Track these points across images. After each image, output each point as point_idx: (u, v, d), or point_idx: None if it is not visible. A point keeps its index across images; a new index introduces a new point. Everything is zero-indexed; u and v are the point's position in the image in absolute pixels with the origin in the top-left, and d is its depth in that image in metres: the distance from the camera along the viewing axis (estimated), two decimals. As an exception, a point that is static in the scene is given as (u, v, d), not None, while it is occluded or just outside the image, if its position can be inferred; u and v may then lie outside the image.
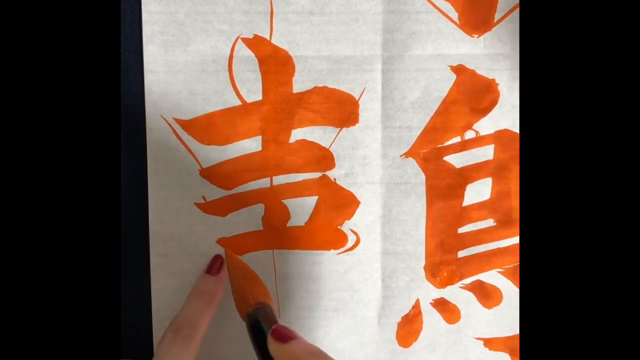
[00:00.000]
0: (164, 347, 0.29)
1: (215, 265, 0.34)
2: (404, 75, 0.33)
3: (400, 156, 0.34)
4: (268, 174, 0.34)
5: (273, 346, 0.27)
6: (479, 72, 0.33)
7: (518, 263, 0.35)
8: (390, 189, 0.34)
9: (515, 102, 0.34)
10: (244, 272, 0.33)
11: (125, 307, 0.34)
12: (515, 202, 0.35)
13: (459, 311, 0.35)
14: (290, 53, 0.33)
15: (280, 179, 0.34)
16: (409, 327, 0.35)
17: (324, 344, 0.35)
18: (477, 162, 0.34)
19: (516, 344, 0.36)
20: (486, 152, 0.34)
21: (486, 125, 0.34)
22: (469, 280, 0.35)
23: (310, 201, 0.34)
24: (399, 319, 0.35)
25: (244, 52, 0.33)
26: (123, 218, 0.34)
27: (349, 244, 0.35)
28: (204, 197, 0.34)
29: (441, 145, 0.34)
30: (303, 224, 0.34)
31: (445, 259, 0.35)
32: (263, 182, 0.34)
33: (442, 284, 0.35)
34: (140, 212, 0.34)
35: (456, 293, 0.35)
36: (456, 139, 0.34)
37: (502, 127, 0.34)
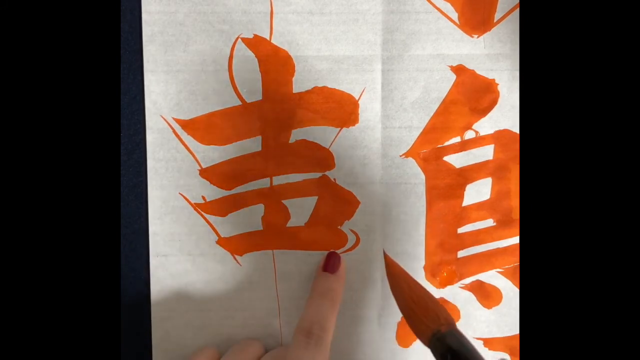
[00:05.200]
0: (298, 351, 0.28)
1: (330, 263, 0.33)
2: (404, 75, 0.33)
3: (400, 156, 0.34)
4: (268, 174, 0.34)
5: None
6: (478, 72, 0.34)
7: (518, 263, 0.35)
8: (390, 189, 0.34)
9: (515, 102, 0.34)
10: (420, 289, 0.30)
11: (125, 307, 0.34)
12: (515, 202, 0.35)
13: (458, 311, 0.35)
14: (290, 53, 0.33)
15: (280, 179, 0.34)
16: (409, 327, 0.35)
17: (324, 344, 0.35)
18: (477, 162, 0.34)
19: (516, 344, 0.36)
20: (486, 152, 0.34)
21: (486, 126, 0.34)
22: (468, 280, 0.35)
23: (310, 201, 0.34)
24: (399, 319, 0.35)
25: (244, 52, 0.33)
26: (123, 218, 0.34)
27: (349, 244, 0.35)
28: (203, 197, 0.34)
29: (441, 146, 0.34)
30: (303, 224, 0.34)
31: (445, 259, 0.35)
32: (263, 182, 0.34)
33: (442, 284, 0.35)
34: (140, 212, 0.34)
35: (456, 293, 0.35)
36: (456, 139, 0.34)
37: (502, 127, 0.34)
